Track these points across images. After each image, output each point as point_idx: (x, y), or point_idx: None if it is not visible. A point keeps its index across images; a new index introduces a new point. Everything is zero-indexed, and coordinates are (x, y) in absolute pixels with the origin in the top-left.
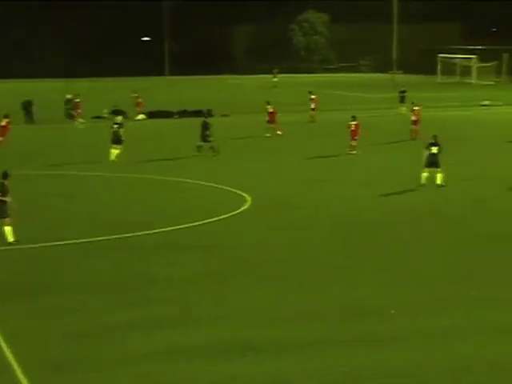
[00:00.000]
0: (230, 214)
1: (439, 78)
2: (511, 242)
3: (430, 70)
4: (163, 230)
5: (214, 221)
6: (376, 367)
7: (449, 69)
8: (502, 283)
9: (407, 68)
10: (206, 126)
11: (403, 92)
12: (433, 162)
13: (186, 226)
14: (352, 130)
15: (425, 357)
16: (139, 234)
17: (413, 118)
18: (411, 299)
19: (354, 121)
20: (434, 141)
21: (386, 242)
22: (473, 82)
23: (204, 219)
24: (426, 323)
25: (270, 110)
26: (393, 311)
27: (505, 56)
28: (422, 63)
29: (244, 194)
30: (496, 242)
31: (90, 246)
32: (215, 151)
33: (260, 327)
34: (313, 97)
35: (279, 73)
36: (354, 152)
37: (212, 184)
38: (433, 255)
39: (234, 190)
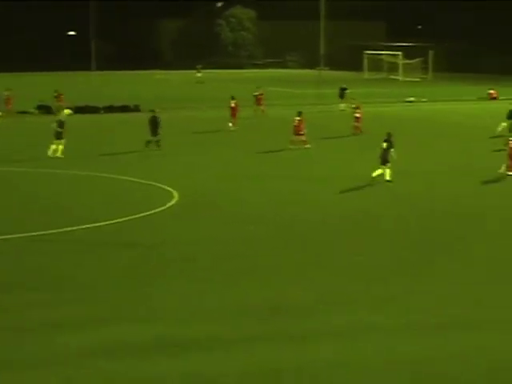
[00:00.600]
0: (153, 211)
1: (366, 75)
2: (445, 240)
3: (357, 66)
4: (80, 227)
5: (136, 218)
6: (302, 362)
7: (376, 65)
8: (433, 280)
9: (334, 64)
10: (155, 121)
11: (344, 89)
12: (381, 158)
13: (105, 223)
14: (295, 126)
15: (364, 352)
16: (61, 230)
17: (357, 114)
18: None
19: (298, 116)
20: (386, 137)
21: (327, 239)
22: (399, 78)
23: (127, 216)
24: (363, 318)
25: (232, 105)
26: (320, 306)
27: (430, 53)
28: (349, 60)
29: (172, 190)
30: (430, 241)
31: (19, 240)
32: (159, 145)
33: (195, 323)
34: (257, 93)
35: (205, 68)
36: (303, 146)
37: (146, 181)
38: (374, 252)
39: (162, 186)
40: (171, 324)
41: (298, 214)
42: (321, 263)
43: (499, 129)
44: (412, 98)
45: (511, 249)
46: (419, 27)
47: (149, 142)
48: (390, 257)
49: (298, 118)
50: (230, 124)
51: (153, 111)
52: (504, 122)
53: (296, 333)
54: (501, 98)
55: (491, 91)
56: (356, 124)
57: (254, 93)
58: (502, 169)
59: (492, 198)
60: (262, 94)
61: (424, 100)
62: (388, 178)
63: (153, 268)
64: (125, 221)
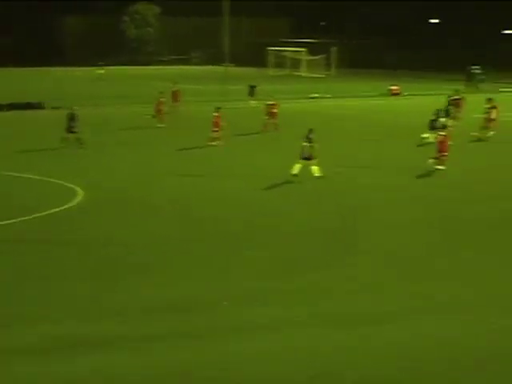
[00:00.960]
0: (55, 210)
1: (271, 71)
2: (350, 236)
3: (261, 63)
4: None
5: (36, 217)
6: (209, 359)
7: (280, 62)
8: (337, 275)
9: (239, 61)
10: (73, 118)
11: (253, 86)
12: (302, 154)
13: (2, 222)
14: (213, 122)
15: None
16: None
17: (274, 110)
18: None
19: (215, 112)
20: (307, 133)
21: (238, 236)
22: (303, 74)
23: (28, 215)
24: (256, 315)
25: (160, 101)
26: (225, 303)
27: (333, 49)
28: (253, 56)
29: (78, 188)
30: (319, 236)
31: None
32: (82, 143)
33: (100, 322)
34: (175, 89)
35: (110, 65)
36: (214, 143)
37: (53, 179)
38: (263, 248)
39: (68, 185)
40: (75, 323)
41: (211, 211)
42: (228, 260)
43: (424, 135)
44: (316, 95)
45: (419, 241)
46: (323, 24)
47: (65, 139)
48: (296, 252)
49: (216, 114)
50: (160, 125)
51: (71, 108)
52: (427, 133)
53: (202, 331)
54: (404, 93)
55: (393, 87)
56: (273, 121)
57: (171, 89)
58: (430, 162)
59: (403, 191)
60: (178, 91)
61: (328, 96)
62: (317, 173)
63: (52, 266)
64: (24, 220)
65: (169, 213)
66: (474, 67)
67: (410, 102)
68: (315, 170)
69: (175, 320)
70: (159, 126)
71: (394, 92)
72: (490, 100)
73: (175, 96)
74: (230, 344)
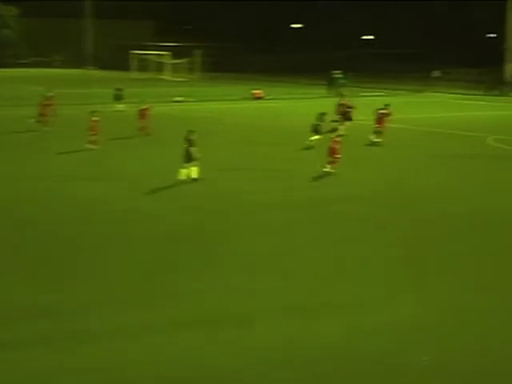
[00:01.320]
0: None
1: (133, 74)
2: (216, 236)
3: (124, 66)
4: None
5: None
6: (84, 364)
7: (143, 65)
8: (205, 275)
9: (101, 64)
10: None
11: (119, 90)
12: (185, 156)
13: None
14: (90, 125)
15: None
16: None
17: (147, 113)
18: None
19: (92, 116)
20: (187, 135)
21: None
22: (166, 78)
23: None
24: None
25: (46, 103)
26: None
27: (196, 53)
28: (116, 59)
29: None
30: (194, 235)
31: None
32: None
33: None
34: (51, 94)
35: None
36: (91, 147)
37: None
38: (143, 250)
39: None
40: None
41: (80, 214)
42: (95, 264)
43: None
44: (180, 98)
45: (287, 243)
46: (189, 27)
47: None
48: (161, 255)
49: (93, 118)
50: (45, 128)
51: None
52: (313, 135)
53: (82, 336)
54: (267, 97)
55: (256, 91)
56: (145, 125)
57: (46, 94)
58: (327, 167)
59: (274, 194)
60: (53, 96)
61: (192, 100)
62: (194, 176)
63: None
64: None
65: (33, 214)
66: (335, 72)
67: (273, 105)
68: (193, 171)
69: (38, 325)
70: (44, 129)
71: (257, 96)
72: (387, 106)
73: (50, 100)
74: (101, 348)
